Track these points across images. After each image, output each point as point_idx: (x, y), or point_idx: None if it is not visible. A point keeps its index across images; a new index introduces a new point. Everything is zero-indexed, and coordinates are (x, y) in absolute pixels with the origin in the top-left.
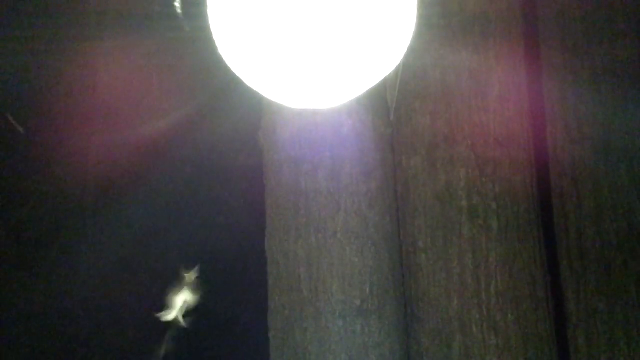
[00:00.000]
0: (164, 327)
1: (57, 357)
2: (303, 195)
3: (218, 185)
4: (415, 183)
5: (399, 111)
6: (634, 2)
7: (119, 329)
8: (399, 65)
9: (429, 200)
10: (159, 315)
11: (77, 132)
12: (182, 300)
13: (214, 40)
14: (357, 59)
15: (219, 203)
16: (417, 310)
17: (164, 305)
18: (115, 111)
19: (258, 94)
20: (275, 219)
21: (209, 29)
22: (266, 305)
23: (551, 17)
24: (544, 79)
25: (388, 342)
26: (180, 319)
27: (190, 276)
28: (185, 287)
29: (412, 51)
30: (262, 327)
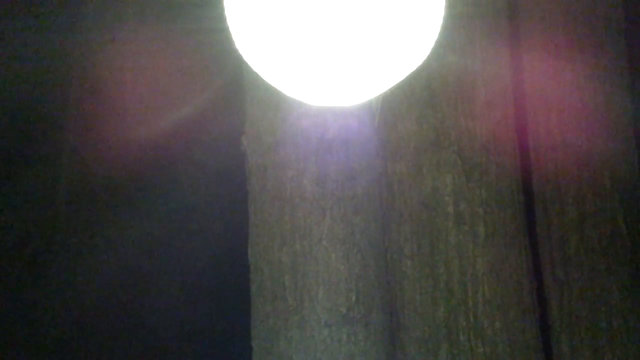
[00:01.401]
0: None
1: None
2: (288, 201)
3: (198, 191)
4: (400, 189)
5: (385, 116)
6: (615, 10)
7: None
8: None
9: (414, 206)
10: None
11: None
12: None
13: (230, 36)
14: (381, 54)
15: (199, 209)
16: (403, 318)
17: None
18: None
19: (243, 96)
20: (259, 225)
21: (227, 24)
22: (249, 314)
23: (534, 24)
24: (526, 85)
25: (374, 350)
26: None
27: None
28: None
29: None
30: (245, 336)
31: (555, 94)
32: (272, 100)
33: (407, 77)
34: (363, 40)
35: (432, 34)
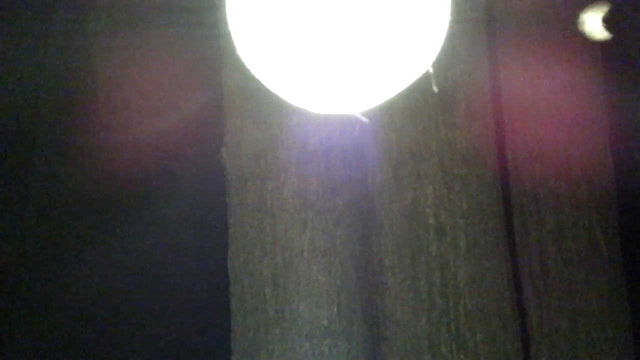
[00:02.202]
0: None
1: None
2: (268, 213)
3: (177, 204)
4: (381, 200)
5: (365, 127)
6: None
7: None
8: None
9: (395, 217)
10: None
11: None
12: None
13: (232, 42)
14: (387, 61)
15: (177, 222)
16: (385, 330)
17: None
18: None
19: (222, 108)
20: (239, 237)
21: (228, 30)
22: (228, 328)
23: (512, 36)
24: (504, 96)
25: None
26: None
27: None
28: None
29: None
30: (225, 350)
31: (533, 104)
32: (253, 112)
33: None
34: (366, 49)
35: (436, 41)
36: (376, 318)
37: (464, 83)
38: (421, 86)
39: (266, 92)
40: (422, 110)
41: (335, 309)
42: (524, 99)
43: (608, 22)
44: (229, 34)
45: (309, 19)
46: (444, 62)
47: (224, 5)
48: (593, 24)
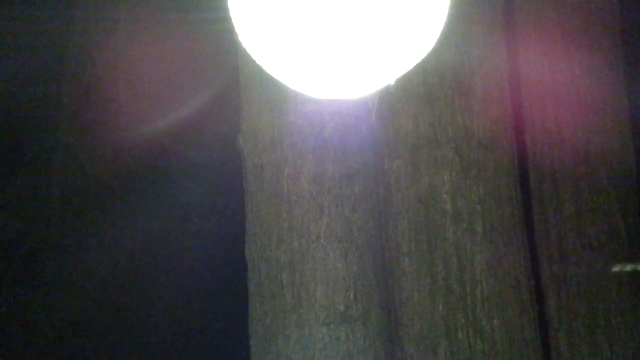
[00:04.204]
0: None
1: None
2: (285, 200)
3: (195, 191)
4: (398, 186)
5: (381, 113)
6: (611, 5)
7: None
8: None
9: (412, 203)
10: None
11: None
12: None
13: (233, 28)
14: (385, 47)
15: (196, 209)
16: (401, 315)
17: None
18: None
19: (239, 95)
20: (256, 224)
21: (230, 18)
22: (246, 313)
23: (530, 21)
24: (523, 82)
25: (372, 348)
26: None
27: None
28: None
29: None
30: (243, 335)
31: (552, 90)
32: (269, 98)
33: (407, 71)
34: (366, 33)
35: (436, 26)
36: (393, 304)
37: (480, 69)
38: (437, 72)
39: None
40: (438, 96)
41: (351, 295)
42: (543, 84)
43: None
44: (229, 19)
45: (309, 4)
46: (460, 48)
47: None
48: None
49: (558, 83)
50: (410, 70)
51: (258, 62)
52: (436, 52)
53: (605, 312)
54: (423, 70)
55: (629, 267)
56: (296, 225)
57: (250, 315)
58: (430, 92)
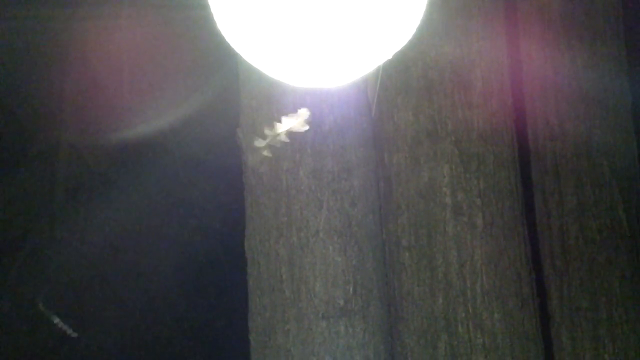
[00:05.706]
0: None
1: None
2: (284, 194)
3: (195, 185)
4: (398, 180)
5: (381, 107)
6: (612, 0)
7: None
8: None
9: (412, 197)
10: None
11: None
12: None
13: (213, 17)
14: (365, 34)
15: (196, 203)
16: (401, 309)
17: None
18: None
19: (238, 89)
20: (255, 218)
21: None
22: (246, 307)
23: (532, 13)
24: (524, 74)
25: (372, 343)
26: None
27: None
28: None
29: None
30: (242, 330)
31: (554, 83)
32: (267, 92)
33: (389, 72)
34: (346, 20)
35: (417, 12)
36: (393, 298)
37: (480, 62)
38: (437, 65)
39: None
40: (438, 89)
41: (351, 289)
42: (545, 77)
43: None
44: (207, 6)
45: None
46: (460, 41)
47: None
48: None
49: (560, 76)
50: (409, 62)
51: (237, 50)
52: (436, 45)
53: (608, 306)
54: (423, 64)
55: None
56: (295, 220)
57: (250, 310)
58: (430, 85)
